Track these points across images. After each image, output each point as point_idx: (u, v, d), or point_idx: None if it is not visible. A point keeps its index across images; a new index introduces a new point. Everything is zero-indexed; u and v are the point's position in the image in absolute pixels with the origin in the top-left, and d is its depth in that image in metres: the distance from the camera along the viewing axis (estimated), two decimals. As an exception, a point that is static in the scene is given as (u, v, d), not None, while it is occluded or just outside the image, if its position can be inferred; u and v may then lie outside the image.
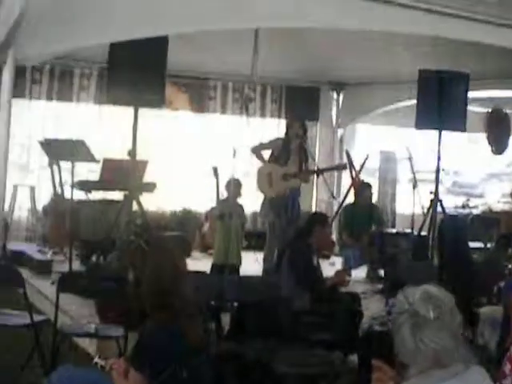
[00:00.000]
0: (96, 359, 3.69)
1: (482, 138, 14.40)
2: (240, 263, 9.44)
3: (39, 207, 11.22)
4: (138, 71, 7.52)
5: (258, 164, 10.20)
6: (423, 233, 10.04)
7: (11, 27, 3.68)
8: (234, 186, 9.54)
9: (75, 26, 4.15)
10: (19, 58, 3.93)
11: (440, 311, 2.68)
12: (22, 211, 11.39)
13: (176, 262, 3.86)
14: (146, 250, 3.82)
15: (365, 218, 11.14)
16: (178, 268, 3.84)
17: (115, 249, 8.39)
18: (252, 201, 12.77)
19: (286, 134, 9.70)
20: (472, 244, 10.16)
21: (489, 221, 12.07)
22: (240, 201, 10.02)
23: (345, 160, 12.91)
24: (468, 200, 15.00)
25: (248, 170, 12.89)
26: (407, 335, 2.68)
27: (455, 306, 2.74)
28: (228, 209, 9.25)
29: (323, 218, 7.49)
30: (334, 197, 11.05)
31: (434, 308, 2.68)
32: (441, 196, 10.06)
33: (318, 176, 10.09)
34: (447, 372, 2.67)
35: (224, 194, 10.00)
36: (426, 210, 9.95)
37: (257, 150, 9.89)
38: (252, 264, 9.81)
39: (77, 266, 9.26)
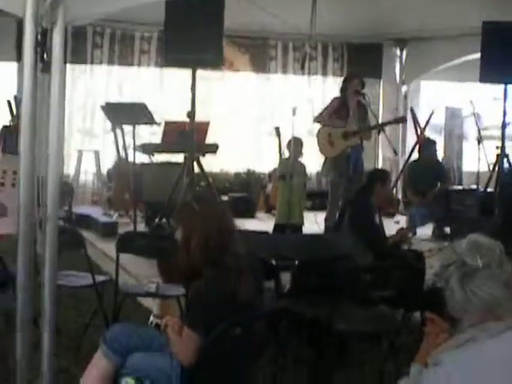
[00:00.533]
0: (151, 318, 3.72)
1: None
2: (303, 222, 9.42)
3: (104, 171, 11.36)
4: (194, 31, 7.49)
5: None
6: (489, 189, 9.85)
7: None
8: (295, 144, 9.47)
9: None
10: (68, 19, 3.90)
11: (488, 260, 2.61)
12: (87, 175, 11.55)
13: (224, 219, 3.85)
14: (194, 207, 3.80)
15: (430, 175, 10.95)
16: (227, 225, 3.84)
17: (178, 210, 8.44)
18: (316, 160, 12.74)
19: (343, 91, 9.53)
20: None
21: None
22: (302, 160, 9.93)
23: (409, 117, 12.72)
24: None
25: (311, 128, 12.82)
26: (456, 287, 2.62)
27: (504, 255, 2.65)
28: (289, 168, 9.20)
29: (383, 175, 7.35)
30: (396, 153, 10.86)
31: (481, 256, 2.61)
32: (508, 151, 9.85)
33: (379, 132, 9.93)
34: (503, 324, 2.60)
35: (286, 154, 9.95)
36: (492, 166, 9.76)
37: (319, 119, 9.74)
38: (316, 224, 9.76)
39: (141, 227, 9.36)
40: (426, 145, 11.34)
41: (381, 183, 7.03)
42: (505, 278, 2.61)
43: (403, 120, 11.15)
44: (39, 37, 3.78)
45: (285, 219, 9.00)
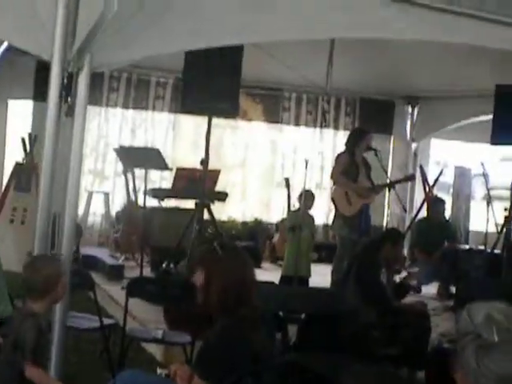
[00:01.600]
0: (159, 370, 3.69)
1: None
2: (309, 275, 9.43)
3: (113, 213, 11.39)
4: (212, 80, 7.55)
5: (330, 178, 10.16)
6: (497, 250, 9.86)
7: (90, 31, 3.74)
8: (306, 197, 9.52)
9: (151, 33, 4.18)
10: (95, 65, 3.98)
11: (505, 335, 2.60)
12: (95, 217, 11.59)
13: (247, 269, 3.87)
14: (219, 253, 3.80)
15: (437, 234, 10.98)
16: (248, 276, 3.85)
17: (186, 256, 8.44)
18: (324, 212, 12.79)
19: (351, 145, 9.51)
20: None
21: None
22: (312, 212, 9.98)
23: (418, 174, 12.78)
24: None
25: (320, 181, 12.89)
26: (470, 357, 2.61)
27: None
28: (299, 220, 9.23)
29: (396, 236, 7.39)
30: (405, 210, 10.92)
31: (498, 331, 2.60)
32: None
33: (389, 190, 9.99)
34: None
35: (296, 206, 9.98)
36: (500, 227, 9.78)
37: (335, 177, 9.73)
38: (322, 276, 9.75)
39: (147, 272, 9.35)
40: (434, 203, 11.39)
41: (392, 243, 7.07)
42: None
43: (413, 178, 11.21)
44: (65, 81, 3.85)
45: (292, 271, 9.01)
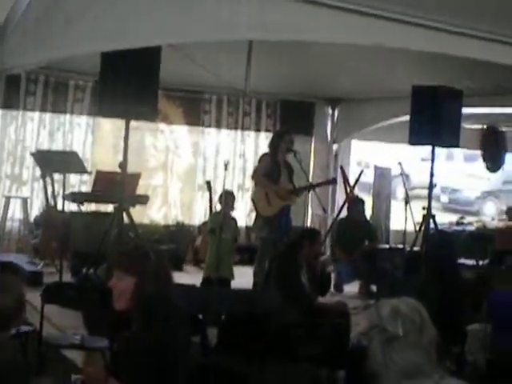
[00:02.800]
0: (73, 377, 3.65)
1: (478, 155, 14.44)
2: (232, 277, 9.43)
3: (31, 218, 11.19)
4: (130, 83, 7.48)
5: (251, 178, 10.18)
6: (416, 248, 10.01)
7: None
8: (227, 198, 9.51)
9: (64, 33, 4.12)
10: (6, 67, 3.90)
11: (408, 328, 2.68)
12: (13, 222, 11.35)
13: (170, 273, 3.91)
14: (151, 257, 3.81)
15: (358, 233, 11.12)
16: (171, 278, 3.90)
17: (106, 261, 8.35)
18: (245, 214, 12.81)
19: (273, 147, 9.59)
20: (465, 261, 10.16)
21: (482, 238, 12.03)
22: (234, 214, 9.98)
23: (339, 175, 12.91)
24: (462, 217, 15.01)
25: (241, 183, 12.91)
26: (377, 350, 2.69)
27: (427, 321, 2.75)
28: (220, 222, 9.22)
29: (312, 235, 7.47)
30: (325, 211, 11.04)
31: (402, 325, 2.68)
32: (437, 213, 10.06)
33: (309, 191, 10.08)
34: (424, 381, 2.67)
35: (218, 207, 9.95)
36: (418, 226, 9.93)
37: (256, 177, 9.77)
38: (244, 278, 9.75)
39: (68, 278, 9.22)
40: (354, 203, 11.52)
41: (309, 242, 7.14)
42: (426, 344, 2.69)
43: (334, 182, 11.36)
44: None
45: (213, 273, 8.98)
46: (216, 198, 10.31)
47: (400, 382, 2.66)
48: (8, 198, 11.14)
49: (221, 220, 9.20)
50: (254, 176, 9.78)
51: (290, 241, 7.78)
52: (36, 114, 11.60)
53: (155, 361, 3.56)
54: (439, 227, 10.17)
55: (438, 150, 9.88)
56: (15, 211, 11.32)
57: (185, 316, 3.98)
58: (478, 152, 14.28)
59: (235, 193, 12.60)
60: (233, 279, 9.44)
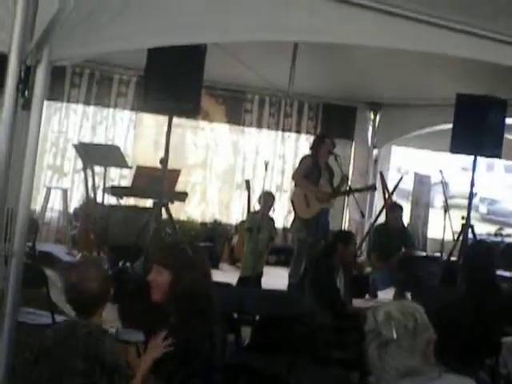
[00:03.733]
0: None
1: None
2: (262, 274, 9.40)
3: (71, 210, 11.30)
4: (174, 80, 7.54)
5: (291, 179, 10.19)
6: (453, 258, 9.95)
7: (47, 26, 3.70)
8: (266, 198, 9.53)
9: (111, 29, 4.15)
10: (53, 58, 3.94)
11: (401, 332, 2.73)
12: (53, 213, 11.47)
13: (210, 271, 4.00)
14: (189, 254, 3.87)
15: (395, 240, 11.05)
16: (211, 277, 3.99)
17: (142, 255, 8.41)
18: (283, 216, 12.81)
19: (315, 150, 9.62)
20: (503, 273, 10.06)
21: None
22: (272, 214, 9.98)
23: (378, 180, 12.87)
24: (501, 228, 14.86)
25: (280, 184, 12.92)
26: (373, 353, 2.80)
27: (422, 324, 2.81)
28: (257, 222, 9.23)
29: (346, 237, 7.47)
30: (363, 216, 11.00)
31: (396, 328, 2.73)
32: (476, 223, 10.00)
33: (348, 195, 10.08)
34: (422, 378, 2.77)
35: (256, 207, 9.96)
36: (456, 235, 9.88)
37: (296, 178, 9.79)
38: (280, 279, 9.75)
39: (104, 270, 9.28)
40: (392, 209, 11.45)
41: (343, 244, 7.15)
42: (421, 346, 2.75)
43: (373, 188, 11.32)
44: (22, 74, 3.81)
45: (250, 272, 9.00)
46: (254, 197, 10.33)
47: (397, 382, 2.76)
48: (49, 189, 11.25)
49: (258, 220, 9.21)
50: (294, 177, 9.80)
51: (325, 245, 7.78)
52: (80, 107, 11.71)
53: (190, 355, 3.59)
54: (478, 237, 10.09)
55: (478, 159, 9.82)
56: (55, 202, 11.43)
57: (220, 313, 4.01)
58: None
59: (273, 193, 12.64)
60: (262, 276, 9.40)
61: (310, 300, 6.81)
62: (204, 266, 3.96)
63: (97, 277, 3.74)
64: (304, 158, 9.84)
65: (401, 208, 11.47)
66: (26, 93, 3.91)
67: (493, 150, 9.46)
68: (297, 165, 10.50)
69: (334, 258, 7.12)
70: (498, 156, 9.69)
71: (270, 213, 9.86)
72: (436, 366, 2.80)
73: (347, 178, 9.89)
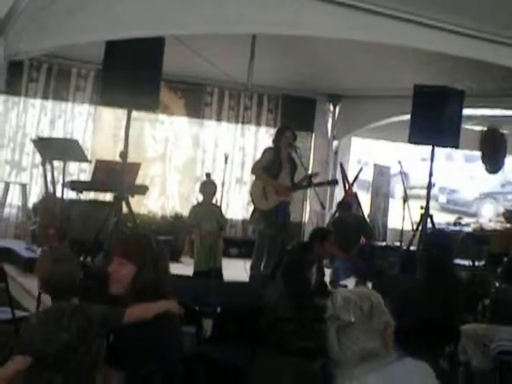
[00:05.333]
0: None
1: (478, 156, 14.46)
2: (220, 266, 9.20)
3: (30, 205, 11.20)
4: (133, 73, 7.51)
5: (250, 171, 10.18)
6: (412, 247, 10.05)
7: (3, 19, 3.68)
8: (207, 187, 9.40)
9: (68, 22, 4.14)
10: (9, 53, 3.91)
11: (358, 315, 2.78)
12: (12, 208, 11.36)
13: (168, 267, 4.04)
14: (152, 244, 3.88)
15: (353, 231, 11.13)
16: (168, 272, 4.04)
17: (103, 250, 8.37)
18: (243, 207, 12.84)
19: (276, 142, 9.64)
20: (461, 261, 10.19)
21: (479, 239, 12.05)
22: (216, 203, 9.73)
23: (338, 172, 12.94)
24: (460, 218, 15.03)
25: (240, 176, 12.94)
26: (332, 338, 2.84)
27: (378, 308, 2.85)
28: (199, 215, 9.15)
29: (322, 235, 7.56)
30: (323, 207, 11.05)
31: (353, 312, 2.81)
32: (435, 213, 10.09)
33: (309, 189, 10.13)
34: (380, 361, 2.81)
35: (199, 198, 9.72)
36: (416, 225, 9.97)
37: (256, 171, 9.78)
38: (242, 271, 9.75)
39: (64, 265, 9.22)
40: (342, 208, 11.47)
41: (319, 242, 7.25)
42: (378, 329, 2.79)
43: (335, 183, 11.35)
44: (-22, 67, 3.78)
45: (203, 266, 8.95)
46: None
47: (356, 366, 2.79)
48: (7, 184, 11.15)
49: (204, 210, 9.10)
50: (254, 170, 9.80)
51: (302, 240, 7.90)
52: (38, 101, 11.61)
53: (150, 348, 3.61)
54: (436, 227, 10.20)
55: (438, 150, 9.91)
56: (14, 197, 11.33)
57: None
58: (479, 153, 14.29)
59: (233, 186, 12.66)
60: (220, 268, 9.20)
61: (280, 291, 6.90)
62: (166, 260, 3.98)
63: (73, 262, 3.76)
64: (265, 151, 9.84)
65: (350, 206, 11.56)
66: (-18, 86, 3.87)
67: (451, 140, 9.56)
68: (257, 157, 10.53)
69: (310, 254, 7.24)
70: (456, 146, 9.79)
71: (214, 201, 9.58)
72: (394, 351, 2.84)
73: (311, 176, 9.88)
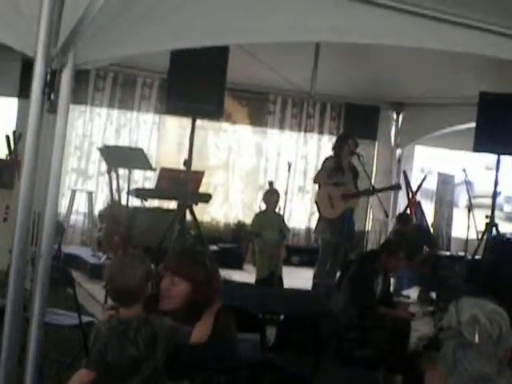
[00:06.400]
0: None
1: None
2: (280, 273, 9.16)
3: (96, 212, 11.38)
4: (197, 82, 7.58)
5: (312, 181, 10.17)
6: (477, 257, 9.93)
7: (73, 29, 3.74)
8: (270, 196, 9.36)
9: (136, 31, 4.19)
10: (78, 62, 3.98)
11: (485, 338, 2.65)
12: (78, 216, 11.56)
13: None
14: (208, 267, 3.89)
15: (417, 240, 11.03)
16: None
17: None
18: (306, 216, 12.83)
19: (338, 150, 9.60)
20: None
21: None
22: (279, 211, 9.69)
23: (402, 180, 12.85)
24: (526, 227, 14.80)
25: (303, 184, 12.94)
26: (449, 351, 2.69)
27: (506, 333, 2.69)
28: (261, 223, 9.14)
29: (392, 248, 7.53)
30: (387, 215, 10.99)
31: (479, 333, 2.65)
32: (500, 223, 9.95)
33: (372, 195, 10.07)
34: None
35: (262, 207, 9.59)
36: (480, 234, 9.85)
37: (318, 180, 9.77)
38: (305, 280, 9.73)
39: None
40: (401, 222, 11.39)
41: (387, 254, 7.24)
42: (500, 356, 2.67)
43: (398, 188, 11.28)
44: (48, 77, 3.85)
45: (264, 274, 8.93)
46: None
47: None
48: (74, 192, 11.35)
49: (267, 219, 9.10)
50: (317, 178, 9.78)
51: (371, 249, 7.88)
52: (104, 110, 11.81)
53: (211, 356, 3.64)
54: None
55: (503, 158, 9.78)
56: (80, 205, 11.52)
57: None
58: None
59: (295, 194, 12.65)
60: (280, 275, 9.16)
61: (344, 300, 6.90)
62: (219, 276, 3.95)
63: (138, 266, 3.65)
64: (326, 160, 9.82)
65: (409, 218, 11.47)
66: (52, 96, 3.95)
67: (516, 148, 9.42)
68: (319, 165, 10.50)
69: (377, 264, 7.23)
70: (522, 155, 9.65)
71: (276, 209, 9.52)
72: (507, 374, 2.70)
73: (373, 189, 9.81)
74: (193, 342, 3.69)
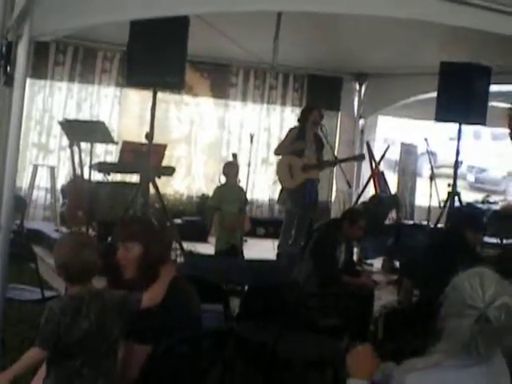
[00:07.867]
0: None
1: (506, 134, 14.31)
2: (239, 244, 9.08)
3: (58, 187, 11.29)
4: (158, 54, 7.52)
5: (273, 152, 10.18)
6: (440, 225, 10.01)
7: (28, 1, 3.69)
8: (229, 168, 9.36)
9: (92, 1, 4.14)
10: (34, 33, 3.92)
11: (508, 327, 2.61)
12: (40, 191, 11.46)
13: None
14: (155, 225, 3.99)
15: (383, 208, 11.11)
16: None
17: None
18: (269, 188, 12.85)
19: (302, 121, 9.63)
20: (489, 239, 10.14)
21: (507, 217, 11.96)
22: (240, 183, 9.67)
23: (365, 151, 12.88)
24: (488, 196, 14.92)
25: (266, 156, 12.94)
26: (465, 329, 2.61)
27: None
28: (226, 194, 9.13)
29: (352, 216, 7.57)
30: (350, 186, 11.03)
31: (504, 321, 2.60)
32: (463, 192, 10.03)
33: (334, 165, 10.10)
34: (472, 359, 2.65)
35: (222, 180, 9.61)
36: (443, 203, 9.94)
37: (279, 151, 9.78)
38: (269, 251, 9.76)
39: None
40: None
41: (350, 223, 7.27)
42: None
43: (362, 158, 11.31)
44: (4, 49, 3.79)
45: (223, 246, 8.91)
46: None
47: (458, 351, 2.65)
48: (35, 167, 11.25)
49: (227, 191, 9.08)
50: (278, 149, 9.81)
51: (332, 218, 7.91)
52: (64, 84, 11.69)
53: (170, 321, 3.65)
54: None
55: (465, 128, 9.84)
56: (42, 180, 11.42)
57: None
58: (507, 131, 14.14)
59: (258, 166, 12.65)
60: (241, 247, 9.12)
61: (308, 269, 6.93)
62: (170, 234, 4.04)
63: (90, 244, 3.70)
64: (290, 131, 9.85)
65: (379, 200, 11.55)
66: (8, 69, 3.88)
67: (477, 117, 9.49)
68: (282, 137, 10.52)
69: (339, 233, 7.26)
70: (483, 123, 9.71)
71: (237, 182, 9.49)
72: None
73: (336, 160, 9.88)
74: (144, 306, 3.76)
